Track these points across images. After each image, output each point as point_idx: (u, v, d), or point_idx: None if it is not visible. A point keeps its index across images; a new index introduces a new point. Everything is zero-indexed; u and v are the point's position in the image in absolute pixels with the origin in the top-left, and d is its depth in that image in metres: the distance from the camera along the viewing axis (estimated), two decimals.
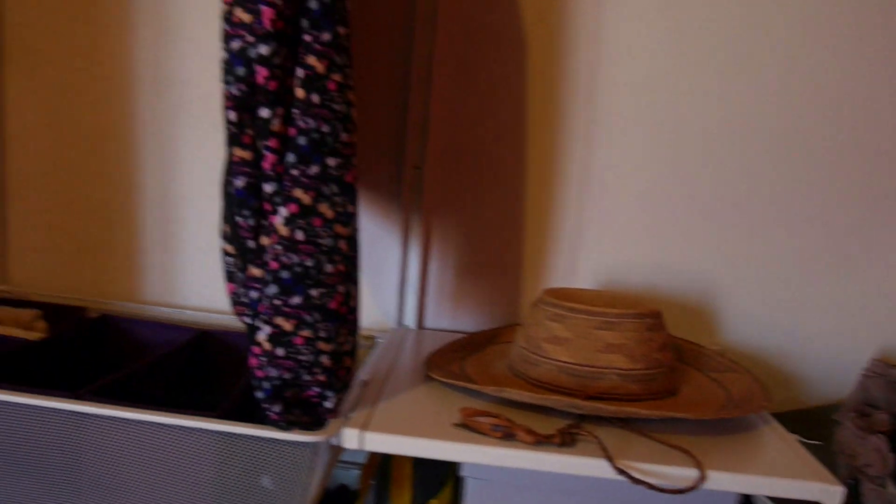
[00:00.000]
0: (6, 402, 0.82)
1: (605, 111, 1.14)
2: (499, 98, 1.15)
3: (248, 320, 0.77)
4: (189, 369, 1.10)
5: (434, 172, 1.18)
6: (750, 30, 1.10)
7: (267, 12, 0.65)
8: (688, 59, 1.12)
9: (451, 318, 1.22)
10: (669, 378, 0.95)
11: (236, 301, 0.78)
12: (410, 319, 1.21)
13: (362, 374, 0.98)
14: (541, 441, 0.80)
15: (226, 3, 0.67)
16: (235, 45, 0.67)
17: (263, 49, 0.66)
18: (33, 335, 1.12)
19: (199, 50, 1.19)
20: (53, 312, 1.20)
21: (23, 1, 1.22)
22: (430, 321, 1.23)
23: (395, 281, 1.21)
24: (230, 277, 0.79)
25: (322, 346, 0.75)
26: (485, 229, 1.19)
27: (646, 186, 1.16)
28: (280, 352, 0.74)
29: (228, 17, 0.67)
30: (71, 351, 1.10)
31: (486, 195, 1.18)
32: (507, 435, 0.80)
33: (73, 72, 1.22)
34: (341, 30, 0.69)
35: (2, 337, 1.07)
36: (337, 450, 0.83)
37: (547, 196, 1.17)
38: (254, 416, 0.82)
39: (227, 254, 0.78)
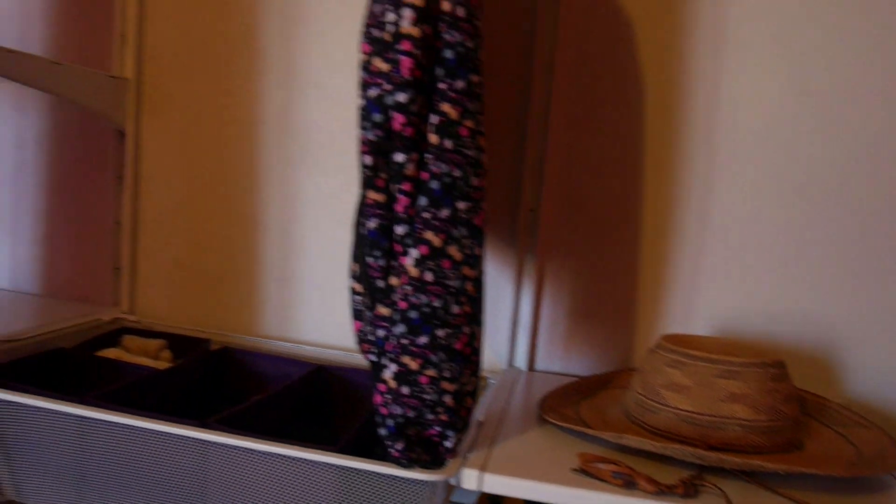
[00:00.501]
0: (138, 427, 0.86)
1: (724, 154, 1.13)
2: (616, 141, 1.16)
3: (373, 358, 0.79)
4: (305, 402, 1.13)
5: (549, 214, 1.19)
6: (874, 72, 1.07)
7: (406, 62, 0.67)
8: (810, 102, 1.09)
9: (562, 360, 1.22)
10: (794, 431, 0.92)
11: (363, 339, 0.80)
12: (521, 361, 1.21)
13: (478, 414, 0.98)
14: (663, 491, 0.78)
15: (365, 53, 0.70)
16: (373, 92, 0.70)
17: (401, 97, 0.69)
18: (159, 364, 1.17)
19: (323, 96, 1.24)
20: (178, 343, 1.25)
21: (159, 52, 1.30)
22: (541, 363, 1.23)
23: (507, 322, 1.22)
24: (357, 315, 0.81)
25: (446, 385, 0.76)
26: (598, 272, 1.19)
27: (766, 230, 1.13)
28: (405, 390, 0.75)
29: (367, 67, 0.70)
30: (194, 381, 1.15)
31: (600, 237, 1.18)
32: (628, 483, 0.79)
33: (204, 116, 1.29)
34: (474, 78, 0.72)
35: (131, 365, 1.13)
36: (451, 489, 0.84)
37: (663, 239, 1.16)
38: (371, 451, 0.84)
39: (355, 292, 0.80)
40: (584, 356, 1.21)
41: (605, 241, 1.18)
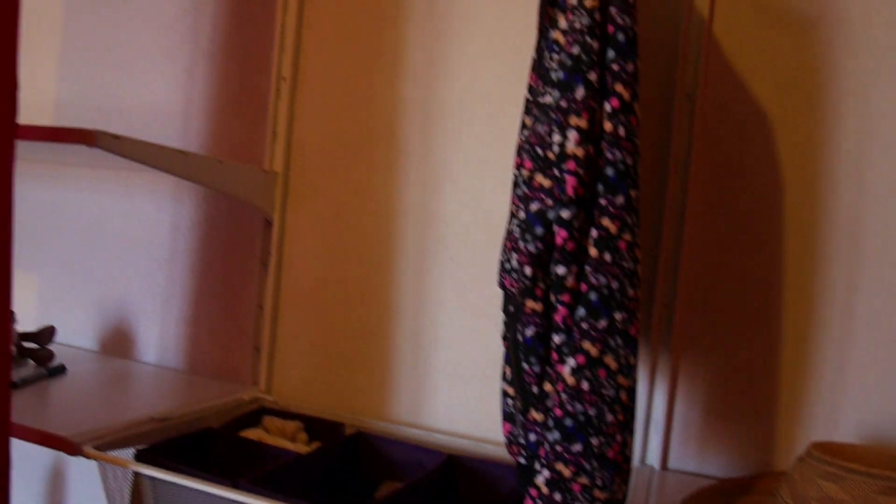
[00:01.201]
0: None
1: (870, 248, 1.10)
2: (753, 236, 1.15)
3: (522, 461, 0.81)
4: (438, 493, 1.15)
5: (684, 310, 1.18)
6: None
7: (570, 181, 0.70)
8: None
9: (696, 460, 1.19)
10: None
11: (512, 441, 0.82)
12: (654, 459, 1.20)
13: None
14: None
15: (527, 168, 0.74)
16: (535, 206, 0.73)
17: (565, 213, 0.72)
18: (297, 447, 1.22)
19: (458, 189, 1.29)
20: (312, 425, 1.30)
21: (306, 147, 1.39)
22: (675, 462, 1.20)
23: (639, 418, 1.21)
24: (508, 418, 0.83)
25: (598, 494, 0.76)
26: (735, 369, 1.17)
27: None
28: (557, 497, 0.76)
29: (529, 182, 0.74)
30: (329, 464, 1.19)
31: (737, 334, 1.17)
32: None
33: (346, 207, 1.36)
34: (633, 193, 0.74)
35: (274, 448, 1.17)
36: None
37: (804, 336, 1.14)
38: None
39: (507, 395, 0.82)
40: (720, 456, 1.18)
41: (742, 338, 1.17)
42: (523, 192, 0.73)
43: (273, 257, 1.40)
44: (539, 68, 1.00)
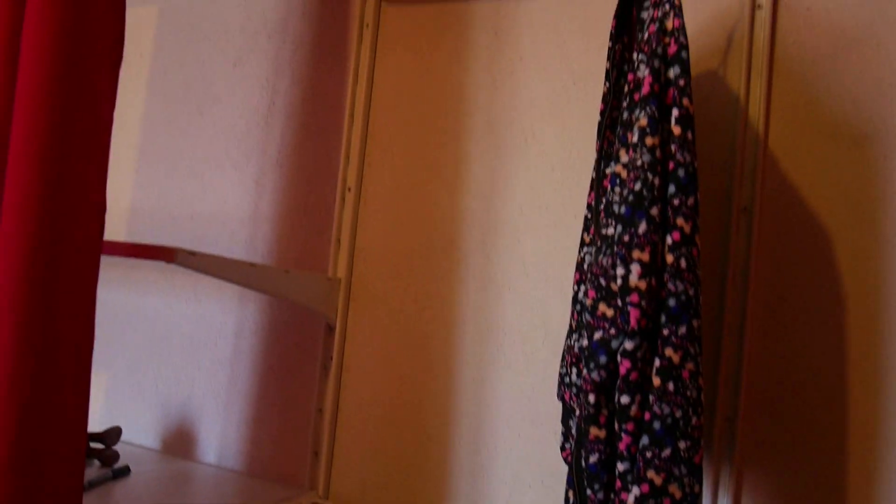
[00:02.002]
0: None
1: None
2: (816, 349, 1.14)
3: None
4: None
5: (748, 423, 1.17)
6: None
7: (634, 313, 0.72)
8: None
9: None
10: None
11: None
12: None
13: None
14: None
15: (590, 297, 0.76)
16: (598, 335, 0.75)
17: (628, 345, 0.73)
18: None
19: (517, 299, 1.31)
20: None
21: (369, 254, 1.43)
22: None
23: None
24: None
25: None
26: (803, 486, 1.14)
27: None
28: None
29: (592, 311, 0.76)
30: None
31: (802, 449, 1.14)
32: None
33: (406, 314, 1.39)
34: (695, 322, 0.75)
35: None
36: None
37: (871, 454, 1.11)
38: None
39: None
40: None
41: (809, 453, 1.14)
42: (587, 319, 0.75)
43: (334, 362, 1.43)
44: (598, 188, 1.03)
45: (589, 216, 1.03)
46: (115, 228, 1.72)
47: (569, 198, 1.30)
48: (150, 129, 1.72)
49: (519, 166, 1.34)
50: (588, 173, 1.29)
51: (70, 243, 0.92)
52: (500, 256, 1.34)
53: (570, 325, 1.02)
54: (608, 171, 1.03)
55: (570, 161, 1.31)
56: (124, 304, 1.70)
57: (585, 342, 0.75)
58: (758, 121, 1.20)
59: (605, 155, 1.03)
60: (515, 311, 1.31)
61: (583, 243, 1.04)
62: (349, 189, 1.45)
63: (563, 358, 1.04)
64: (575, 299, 1.02)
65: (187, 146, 1.67)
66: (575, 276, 1.03)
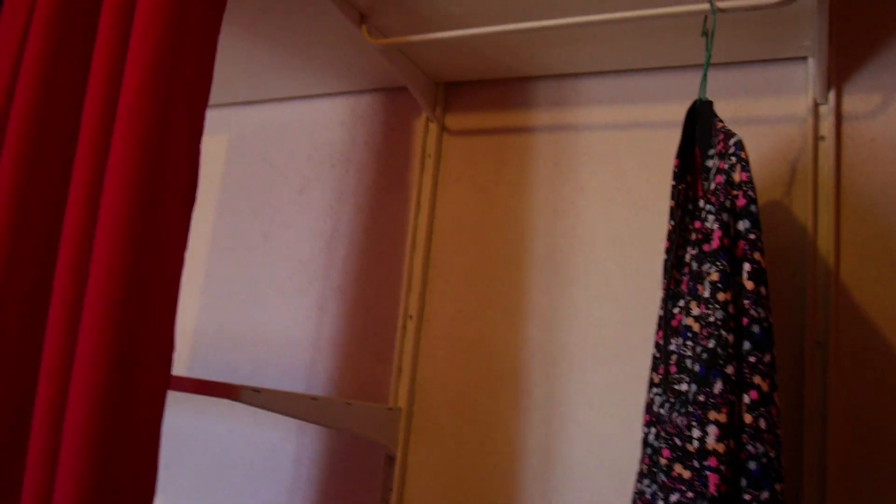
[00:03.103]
0: None
1: None
2: None
3: None
4: None
5: None
6: None
7: (712, 478, 0.69)
8: None
9: None
10: None
11: None
12: None
13: None
14: None
15: (664, 457, 0.73)
16: (675, 498, 0.72)
17: None
18: None
19: (582, 433, 1.27)
20: None
21: (430, 385, 1.42)
22: None
23: None
24: None
25: None
26: None
27: None
28: None
29: (668, 471, 0.73)
30: None
31: None
32: None
33: (468, 445, 1.36)
34: (778, 486, 0.71)
35: None
36: None
37: None
38: None
39: None
40: None
41: None
42: (662, 480, 0.72)
43: (394, 493, 1.40)
44: (667, 327, 1.01)
45: (658, 356, 1.01)
46: (179, 351, 1.75)
47: (633, 331, 1.28)
48: (217, 253, 1.76)
49: (581, 296, 1.33)
50: (652, 305, 1.27)
51: (140, 385, 0.94)
52: (564, 388, 1.31)
53: (641, 469, 0.99)
54: (675, 311, 1.01)
55: (633, 292, 1.30)
56: (184, 426, 1.71)
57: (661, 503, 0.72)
58: (828, 252, 1.18)
59: (672, 294, 1.02)
60: (580, 446, 1.28)
61: (652, 383, 1.01)
62: (411, 317, 1.46)
63: (634, 502, 1.00)
64: (645, 442, 0.99)
65: (252, 271, 1.71)
66: (644, 417, 1.00)
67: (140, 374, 0.94)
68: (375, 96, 1.66)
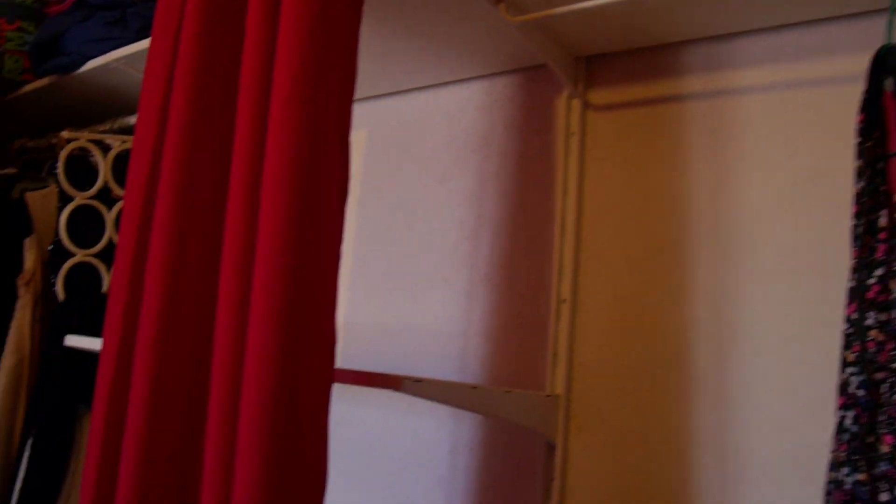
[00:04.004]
0: None
1: None
2: None
3: None
4: None
5: None
6: None
7: None
8: None
9: None
10: None
11: None
12: None
13: None
14: None
15: (887, 444, 0.65)
16: None
17: None
18: None
19: (760, 420, 1.19)
20: None
21: (588, 369, 1.36)
22: None
23: None
24: None
25: None
26: None
27: None
28: None
29: (893, 459, 0.65)
30: None
31: None
32: None
33: (633, 432, 1.30)
34: None
35: None
36: None
37: None
38: None
39: None
40: None
41: None
42: (884, 470, 0.64)
43: (556, 483, 1.36)
44: (861, 300, 0.92)
45: (851, 331, 0.92)
46: None
47: (813, 306, 1.18)
48: (362, 246, 1.77)
49: (752, 273, 1.24)
50: (834, 278, 1.17)
51: (308, 379, 0.94)
52: (736, 371, 1.23)
53: (837, 457, 0.90)
54: (870, 281, 0.92)
55: (810, 264, 1.19)
56: (338, 415, 1.73)
57: (886, 497, 0.64)
58: None
59: (865, 263, 0.92)
60: (757, 434, 1.19)
61: (846, 362, 0.92)
62: (564, 301, 1.41)
63: (828, 494, 0.91)
64: (841, 427, 0.90)
65: (398, 262, 1.70)
66: (839, 400, 0.92)
67: (307, 368, 0.94)
68: (513, 77, 1.62)
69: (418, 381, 1.05)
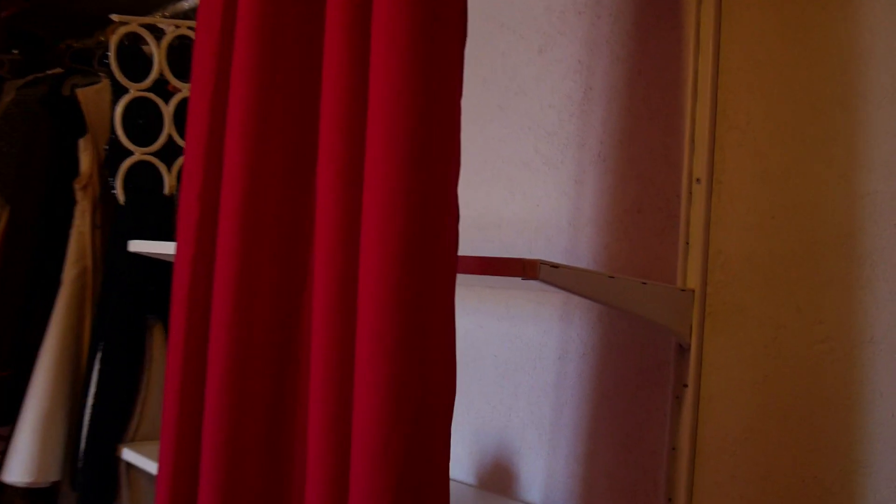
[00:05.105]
0: None
1: None
2: None
3: None
4: None
5: None
6: None
7: None
8: None
9: None
10: None
11: None
12: None
13: None
14: None
15: None
16: None
17: None
18: None
19: None
20: None
21: (727, 260, 1.16)
22: None
23: None
24: None
25: None
26: None
27: None
28: None
29: None
30: None
31: None
32: None
33: (786, 330, 1.11)
34: None
35: None
36: None
37: None
38: None
39: None
40: None
41: None
42: None
43: (690, 389, 1.18)
44: None
45: None
46: None
47: None
48: None
49: None
50: None
51: (434, 254, 0.81)
52: None
53: None
54: None
55: None
56: None
57: None
58: None
59: None
60: None
61: None
62: (697, 180, 1.19)
63: None
64: None
65: (491, 147, 1.51)
66: None
67: (434, 242, 0.83)
68: None
69: (555, 266, 0.86)
